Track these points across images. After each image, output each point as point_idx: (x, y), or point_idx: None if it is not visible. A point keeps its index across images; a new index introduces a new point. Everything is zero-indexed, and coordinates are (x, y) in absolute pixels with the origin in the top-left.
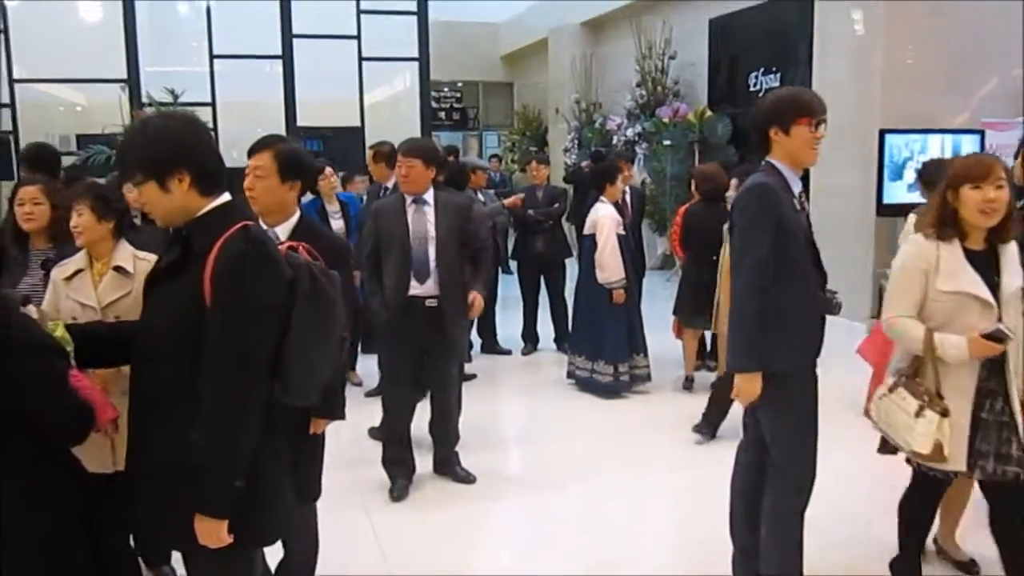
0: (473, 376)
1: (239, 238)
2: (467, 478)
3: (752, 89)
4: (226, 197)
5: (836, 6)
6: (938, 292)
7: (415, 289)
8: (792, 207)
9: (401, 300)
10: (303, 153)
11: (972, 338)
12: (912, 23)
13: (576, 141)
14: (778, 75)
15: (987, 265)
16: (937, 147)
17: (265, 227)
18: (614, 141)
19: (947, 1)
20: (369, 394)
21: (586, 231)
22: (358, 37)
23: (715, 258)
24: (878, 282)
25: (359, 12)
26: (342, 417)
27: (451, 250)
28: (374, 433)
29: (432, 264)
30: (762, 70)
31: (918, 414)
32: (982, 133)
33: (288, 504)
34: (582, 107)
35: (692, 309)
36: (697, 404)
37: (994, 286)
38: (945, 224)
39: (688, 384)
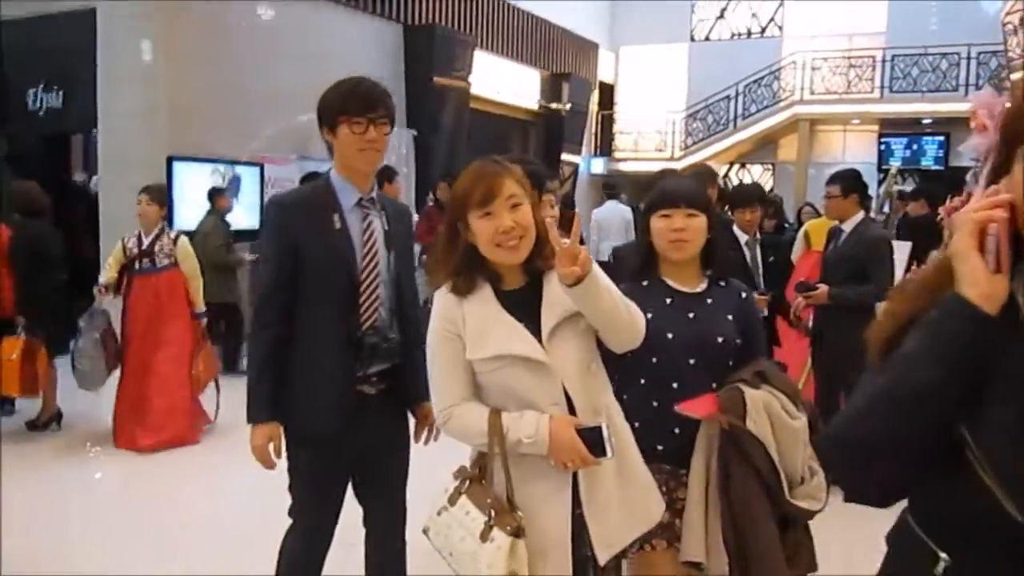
0: None
1: None
2: None
3: (31, 107)
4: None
5: (120, 32)
6: (475, 363)
7: None
8: (325, 225)
9: None
10: None
11: (561, 420)
12: (192, 59)
13: None
14: (61, 94)
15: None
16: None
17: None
18: None
19: (224, 36)
20: None
21: None
22: None
23: None
24: None
25: None
26: None
27: None
28: None
29: None
30: (42, 87)
31: (484, 536)
32: (262, 166)
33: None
34: None
35: None
36: None
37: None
38: (460, 270)
39: None
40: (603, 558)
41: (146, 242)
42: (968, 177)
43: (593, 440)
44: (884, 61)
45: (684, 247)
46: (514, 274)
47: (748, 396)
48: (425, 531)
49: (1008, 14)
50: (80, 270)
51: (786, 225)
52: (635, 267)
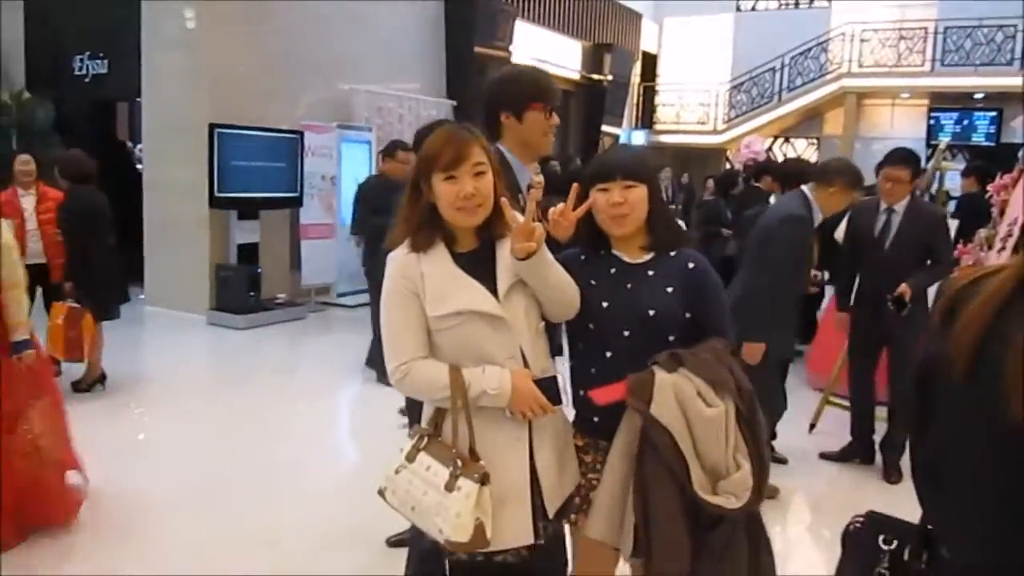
0: None
1: None
2: None
3: (77, 74)
4: None
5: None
6: (433, 319)
7: None
8: (513, 203)
9: None
10: None
11: (521, 372)
12: (234, 27)
13: None
14: (106, 61)
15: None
16: (263, 145)
17: None
18: None
19: (266, 4)
20: None
21: None
22: None
23: None
24: (217, 274)
25: None
26: None
27: None
28: None
29: None
30: (88, 54)
31: (450, 487)
32: (302, 134)
33: None
34: None
35: None
36: None
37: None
38: (421, 227)
39: None
40: (551, 509)
41: None
42: (1020, 154)
43: (550, 390)
44: (936, 33)
45: (623, 221)
46: (468, 237)
47: (657, 379)
48: (381, 492)
49: None
50: (127, 235)
51: None
52: (584, 240)
